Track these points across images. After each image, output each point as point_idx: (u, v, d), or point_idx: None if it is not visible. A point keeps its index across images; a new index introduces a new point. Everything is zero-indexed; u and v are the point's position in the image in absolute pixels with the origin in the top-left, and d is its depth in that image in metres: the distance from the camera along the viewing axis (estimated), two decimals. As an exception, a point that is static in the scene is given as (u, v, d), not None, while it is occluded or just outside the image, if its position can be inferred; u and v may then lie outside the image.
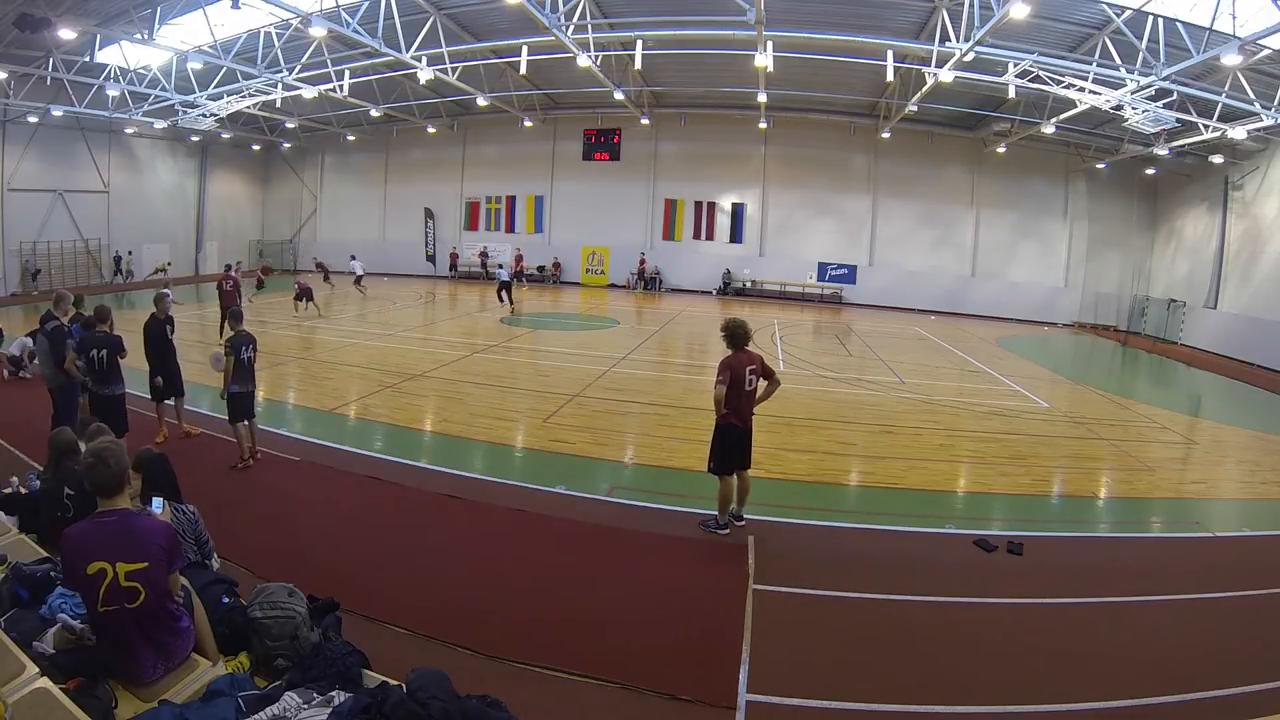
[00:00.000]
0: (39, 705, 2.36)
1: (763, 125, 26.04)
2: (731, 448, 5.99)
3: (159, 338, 7.88)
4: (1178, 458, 9.82)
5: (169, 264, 28.73)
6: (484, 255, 30.78)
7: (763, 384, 6.14)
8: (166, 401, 8.04)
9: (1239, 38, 11.86)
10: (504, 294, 21.43)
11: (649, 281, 29.56)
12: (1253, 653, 4.48)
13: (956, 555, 6.00)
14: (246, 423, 7.28)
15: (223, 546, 4.26)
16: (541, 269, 30.56)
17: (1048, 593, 5.37)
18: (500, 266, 25.09)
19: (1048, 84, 16.20)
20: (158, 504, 3.62)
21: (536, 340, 16.97)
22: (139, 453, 3.87)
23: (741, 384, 5.92)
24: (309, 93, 21.67)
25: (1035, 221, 26.95)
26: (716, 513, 6.15)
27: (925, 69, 17.15)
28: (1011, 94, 17.91)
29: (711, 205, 29.40)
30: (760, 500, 6.58)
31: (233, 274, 15.68)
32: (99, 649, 2.79)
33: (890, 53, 16.84)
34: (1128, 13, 13.70)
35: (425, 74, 18.29)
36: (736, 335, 6.03)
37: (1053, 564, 5.90)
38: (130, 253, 27.62)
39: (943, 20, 14.73)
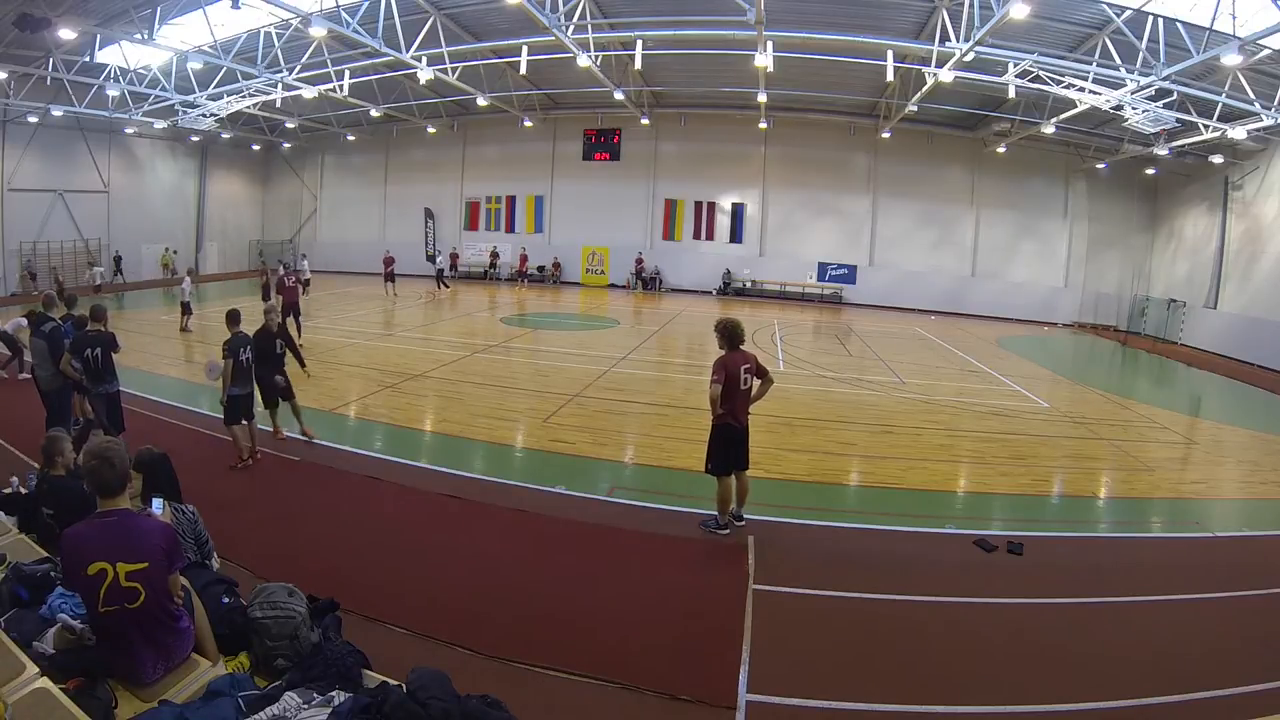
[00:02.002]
0: (39, 705, 2.36)
1: (763, 125, 26.03)
2: (729, 448, 5.99)
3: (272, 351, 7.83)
4: (1177, 458, 9.82)
5: (168, 249, 29.27)
6: (494, 255, 30.94)
7: (757, 383, 6.13)
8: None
9: (1239, 38, 11.86)
10: (442, 282, 25.86)
11: (648, 281, 29.55)
12: (1253, 653, 4.48)
13: (956, 555, 6.00)
14: (245, 424, 7.26)
15: (223, 546, 4.26)
16: (542, 269, 30.56)
17: (1048, 593, 5.37)
18: (440, 254, 27.90)
19: (1048, 84, 16.20)
20: (158, 504, 3.62)
21: (536, 340, 16.97)
22: (139, 452, 3.86)
23: (736, 383, 5.90)
24: (309, 93, 21.66)
25: (1035, 221, 26.95)
26: (716, 513, 6.15)
27: (925, 69, 17.15)
28: (1011, 94, 17.90)
29: (711, 205, 29.40)
30: (760, 500, 6.58)
31: (292, 272, 16.66)
32: (99, 649, 2.79)
33: (890, 53, 16.83)
34: (1128, 13, 13.69)
35: (425, 74, 18.29)
36: (731, 334, 6.02)
37: (1053, 564, 5.90)
38: (175, 251, 29.14)
39: (943, 20, 14.72)
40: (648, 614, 4.80)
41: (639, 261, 29.46)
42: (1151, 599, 5.34)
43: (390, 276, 23.58)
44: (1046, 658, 4.44)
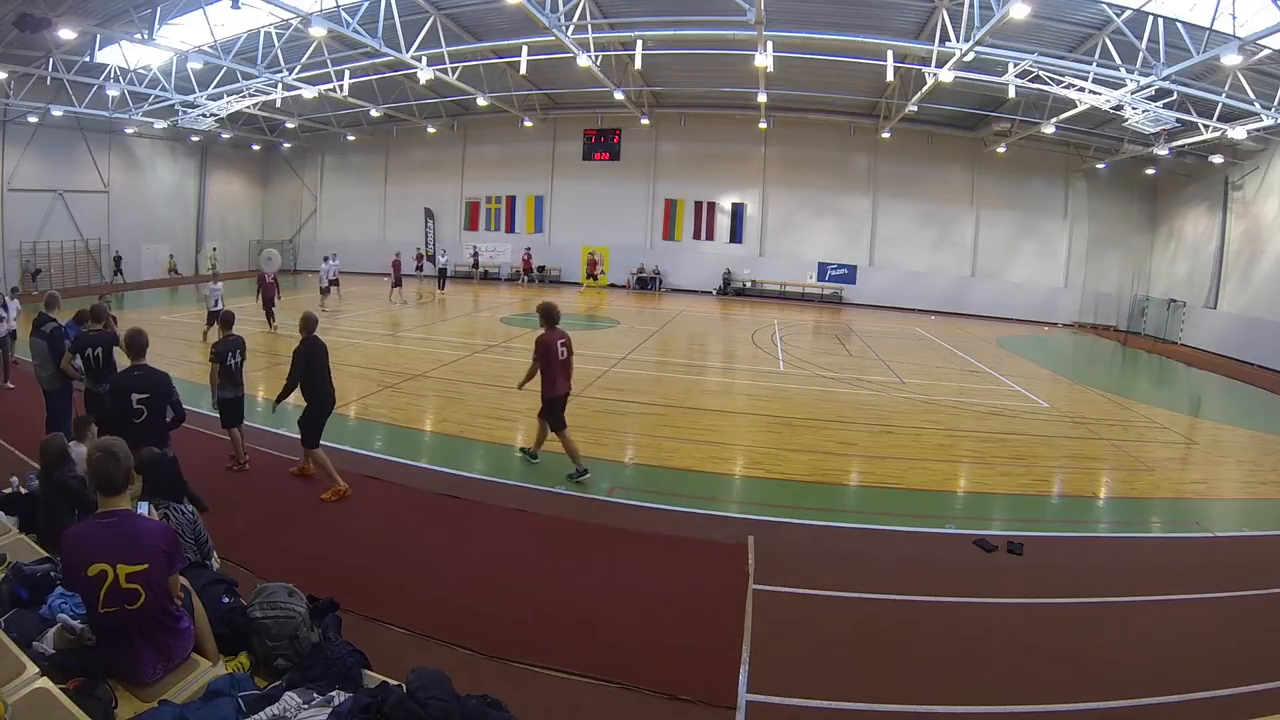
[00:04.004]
0: (39, 705, 2.36)
1: (763, 125, 26.02)
2: (560, 408, 7.26)
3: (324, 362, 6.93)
4: (1178, 458, 9.82)
5: (172, 256, 29.34)
6: (476, 254, 30.98)
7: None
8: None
9: (1239, 38, 11.86)
10: (442, 282, 25.48)
11: (646, 282, 29.51)
12: (1253, 653, 4.48)
13: (956, 555, 6.00)
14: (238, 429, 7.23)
15: (223, 546, 4.26)
16: (541, 269, 30.47)
17: (1048, 593, 5.37)
18: (444, 253, 27.76)
19: (1048, 84, 16.20)
20: (144, 506, 3.56)
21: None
22: (140, 453, 3.86)
23: (555, 355, 7.11)
24: (309, 93, 21.66)
25: (1035, 221, 26.96)
26: (578, 466, 7.18)
27: (925, 69, 17.15)
28: (1011, 94, 17.90)
29: (711, 205, 29.40)
30: (760, 500, 6.60)
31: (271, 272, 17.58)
32: (99, 649, 2.79)
33: (890, 53, 16.83)
34: (1128, 13, 13.68)
35: (425, 74, 18.29)
36: (549, 315, 7.25)
37: (1053, 564, 5.90)
38: (214, 247, 29.51)
39: (943, 20, 14.72)
40: (648, 614, 4.79)
41: (594, 263, 29.47)
42: (1152, 599, 5.34)
43: (398, 281, 22.52)
44: (1046, 658, 4.43)
